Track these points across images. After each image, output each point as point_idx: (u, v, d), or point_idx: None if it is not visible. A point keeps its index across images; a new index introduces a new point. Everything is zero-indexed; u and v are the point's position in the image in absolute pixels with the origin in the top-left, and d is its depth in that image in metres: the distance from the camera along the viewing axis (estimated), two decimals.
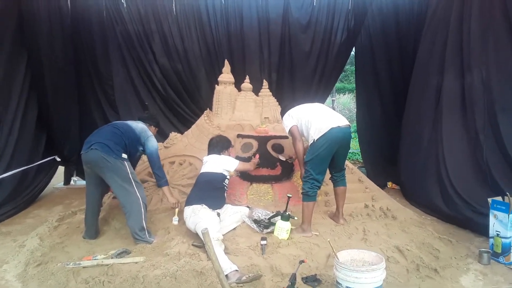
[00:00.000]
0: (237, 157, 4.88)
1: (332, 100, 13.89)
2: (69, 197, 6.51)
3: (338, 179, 4.57)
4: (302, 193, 4.27)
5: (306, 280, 3.34)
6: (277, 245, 3.91)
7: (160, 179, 4.46)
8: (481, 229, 4.40)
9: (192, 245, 3.89)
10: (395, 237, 4.22)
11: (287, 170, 5.06)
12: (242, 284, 3.26)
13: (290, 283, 3.15)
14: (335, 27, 7.45)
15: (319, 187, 4.30)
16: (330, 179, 4.64)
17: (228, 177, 4.45)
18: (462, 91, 5.35)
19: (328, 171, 4.48)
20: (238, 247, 3.86)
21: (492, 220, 3.98)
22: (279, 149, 5.22)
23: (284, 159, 5.11)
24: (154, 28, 7.21)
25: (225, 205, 4.40)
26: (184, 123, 7.42)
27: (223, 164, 4.40)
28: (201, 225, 3.72)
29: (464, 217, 4.77)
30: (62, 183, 7.44)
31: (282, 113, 4.79)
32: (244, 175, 4.93)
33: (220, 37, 7.37)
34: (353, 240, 4.16)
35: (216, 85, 6.12)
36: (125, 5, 7.10)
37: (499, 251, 3.87)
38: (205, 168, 4.40)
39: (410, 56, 7.38)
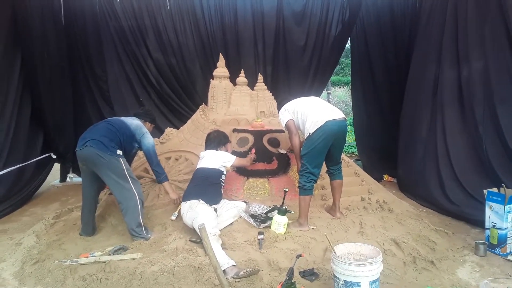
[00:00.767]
0: (233, 152, 4.87)
1: (328, 93, 13.87)
2: (65, 194, 6.49)
3: (335, 173, 4.57)
4: (298, 187, 4.27)
5: (303, 274, 3.35)
6: (274, 239, 3.91)
7: (160, 175, 4.43)
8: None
9: (190, 240, 3.89)
10: (391, 230, 4.24)
11: (284, 164, 5.06)
12: (239, 279, 3.26)
13: (287, 278, 3.15)
14: (330, 20, 7.46)
15: (316, 181, 4.30)
16: (326, 172, 4.64)
17: (224, 172, 4.44)
18: (460, 83, 5.36)
19: (324, 164, 4.48)
20: (235, 242, 3.86)
21: (488, 211, 3.99)
22: (275, 143, 5.21)
23: (285, 152, 5.10)
24: (148, 23, 7.20)
25: (222, 200, 4.39)
26: (179, 118, 7.41)
27: (220, 160, 4.39)
28: (198, 221, 3.72)
29: (465, 208, 4.79)
30: (58, 180, 7.42)
31: (278, 108, 4.79)
32: (241, 170, 4.92)
33: (214, 31, 7.36)
34: (350, 233, 4.17)
35: (211, 80, 6.09)
36: (118, 0, 7.05)
37: (495, 242, 3.89)
38: (202, 164, 4.39)
39: (405, 48, 7.39)
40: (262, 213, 4.30)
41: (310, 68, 7.63)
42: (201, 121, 5.65)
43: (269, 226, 4.14)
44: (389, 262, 3.55)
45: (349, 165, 5.44)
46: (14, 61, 5.93)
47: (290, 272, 3.18)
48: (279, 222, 4.08)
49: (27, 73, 6.13)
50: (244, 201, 4.54)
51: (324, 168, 4.51)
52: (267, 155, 5.03)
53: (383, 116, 7.67)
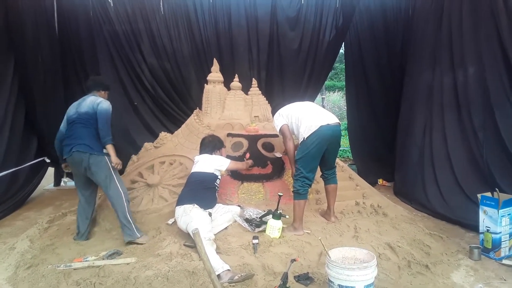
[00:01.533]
0: (228, 156, 4.87)
1: (322, 98, 13.92)
2: (59, 199, 6.46)
3: (329, 177, 4.58)
4: (293, 191, 4.27)
5: (298, 278, 3.35)
6: (269, 243, 3.91)
7: (105, 137, 4.22)
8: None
9: (184, 245, 3.88)
10: (386, 234, 4.25)
11: (278, 169, 5.06)
12: (234, 283, 3.26)
13: (282, 282, 3.15)
14: (324, 25, 7.51)
15: (310, 185, 4.30)
16: (321, 177, 4.65)
17: (219, 177, 4.43)
18: (456, 88, 5.39)
19: (319, 169, 4.49)
20: (230, 247, 3.85)
21: (482, 215, 4.01)
22: (270, 147, 5.21)
23: (281, 155, 5.11)
24: (142, 28, 7.20)
25: (217, 204, 4.38)
26: (174, 122, 7.41)
27: (214, 164, 4.38)
28: (192, 225, 3.71)
29: (462, 212, 4.81)
30: (52, 184, 7.38)
31: (273, 112, 4.80)
32: (235, 174, 4.92)
33: (208, 36, 7.38)
34: (344, 237, 4.17)
35: (205, 84, 6.09)
36: (112, 5, 7.07)
37: (490, 246, 3.91)
38: (197, 168, 4.38)
39: (398, 52, 7.46)
40: (257, 217, 4.30)
41: (304, 73, 7.66)
42: (196, 125, 5.64)
43: (264, 231, 4.14)
44: (383, 266, 3.56)
45: (343, 169, 5.45)
46: (7, 65, 5.90)
47: (285, 277, 3.18)
48: (273, 227, 4.08)
49: (21, 78, 6.11)
50: (239, 206, 4.54)
51: (318, 172, 4.52)
52: (261, 160, 5.03)
53: (377, 120, 7.71)
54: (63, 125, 4.39)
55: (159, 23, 7.22)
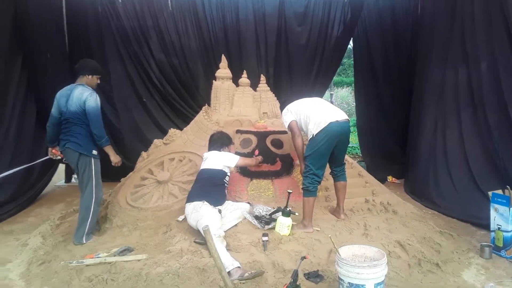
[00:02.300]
0: (237, 153, 4.88)
1: (331, 93, 13.88)
2: (70, 195, 6.48)
3: (338, 174, 4.57)
4: (302, 188, 4.27)
5: (308, 276, 3.36)
6: (278, 241, 3.92)
7: (100, 139, 4.29)
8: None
9: (194, 242, 3.90)
10: (396, 232, 4.23)
11: (287, 166, 5.06)
12: (244, 280, 3.27)
13: (292, 280, 3.16)
14: (332, 20, 7.47)
15: (320, 182, 4.30)
16: (330, 174, 4.64)
17: (228, 173, 4.44)
18: (471, 85, 5.34)
19: (328, 166, 4.49)
20: (240, 244, 3.87)
21: (493, 213, 3.99)
22: (279, 144, 5.21)
23: None
24: (150, 24, 7.21)
25: (226, 201, 4.39)
26: (182, 119, 7.42)
27: (223, 161, 4.39)
28: (202, 222, 3.72)
29: (480, 211, 4.72)
30: (63, 181, 7.44)
31: (281, 108, 4.79)
32: (244, 171, 4.93)
33: (216, 31, 7.37)
34: (354, 235, 4.17)
35: (213, 81, 6.10)
36: (120, 1, 7.07)
37: (501, 244, 3.89)
38: (206, 165, 4.39)
39: (407, 48, 7.42)
40: (266, 214, 4.30)
41: (312, 69, 7.64)
42: (204, 122, 5.66)
43: (274, 228, 4.14)
44: (393, 264, 3.55)
45: (352, 166, 5.44)
46: (16, 61, 5.93)
47: (295, 274, 3.19)
48: (283, 224, 4.09)
49: (30, 74, 6.14)
50: (248, 203, 4.54)
51: (327, 169, 4.51)
52: (270, 156, 5.03)
53: (386, 117, 7.67)
54: (53, 110, 4.34)
55: (167, 19, 7.22)
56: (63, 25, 6.88)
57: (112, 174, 6.13)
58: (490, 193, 4.06)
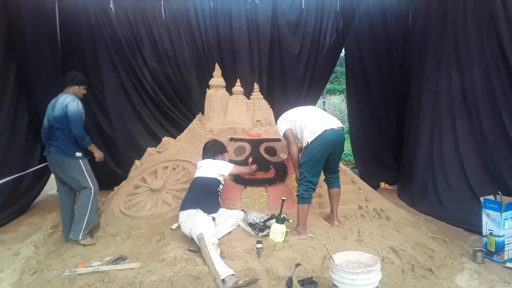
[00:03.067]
0: (230, 161, 4.89)
1: (323, 101, 13.94)
2: None
3: (333, 181, 4.59)
4: (297, 195, 4.28)
5: (302, 283, 3.35)
6: (272, 248, 3.91)
7: (82, 140, 4.44)
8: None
9: (188, 250, 3.89)
10: (389, 238, 4.25)
11: (281, 173, 5.07)
12: None
13: (287, 286, 3.16)
14: (324, 29, 7.55)
15: (314, 190, 4.31)
16: (324, 180, 4.65)
17: (222, 182, 4.45)
18: (464, 92, 5.39)
19: (322, 173, 4.50)
20: (234, 251, 3.86)
21: (485, 218, 4.02)
22: (272, 152, 5.23)
23: (286, 156, 5.12)
24: (143, 32, 7.23)
25: (220, 209, 4.39)
26: (176, 127, 7.42)
27: (217, 169, 4.40)
28: (196, 230, 3.72)
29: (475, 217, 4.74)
30: (55, 189, 7.36)
31: (276, 117, 4.82)
32: (238, 179, 4.93)
33: (210, 40, 7.41)
34: (348, 241, 4.18)
35: (207, 89, 6.12)
36: (113, 10, 7.09)
37: (493, 249, 3.92)
38: (200, 173, 4.39)
39: (399, 56, 7.52)
40: (260, 221, 4.31)
41: (305, 77, 7.69)
42: (198, 130, 5.66)
43: (268, 235, 4.14)
44: (387, 270, 3.56)
45: (346, 173, 5.46)
46: (9, 70, 5.92)
47: (289, 281, 3.20)
48: (277, 231, 4.09)
49: (23, 83, 6.13)
50: (242, 210, 4.54)
51: (322, 176, 4.53)
52: (264, 164, 5.04)
53: (378, 123, 7.73)
54: (45, 120, 4.54)
55: (161, 28, 7.25)
56: (57, 35, 6.88)
57: (105, 183, 6.11)
58: (482, 198, 4.10)
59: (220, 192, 4.45)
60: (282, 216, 4.16)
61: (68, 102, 4.38)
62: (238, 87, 6.02)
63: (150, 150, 5.84)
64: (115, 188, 5.28)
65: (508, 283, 3.51)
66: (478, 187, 5.02)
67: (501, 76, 4.80)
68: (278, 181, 5.01)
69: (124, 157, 7.02)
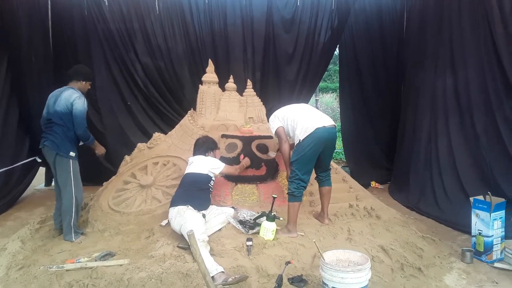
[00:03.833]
0: (222, 158, 4.87)
1: (316, 99, 13.94)
2: (50, 199, 6.32)
3: (324, 179, 4.59)
4: (288, 193, 4.28)
5: (292, 281, 3.35)
6: (262, 245, 3.90)
7: (86, 139, 4.50)
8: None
9: (177, 246, 3.86)
10: (379, 237, 4.26)
11: (272, 170, 5.06)
12: (228, 285, 3.25)
13: (276, 285, 3.15)
14: (319, 26, 7.52)
15: (305, 188, 4.31)
16: (315, 179, 4.65)
17: (213, 178, 4.43)
18: (457, 92, 5.41)
19: (313, 170, 4.50)
20: (224, 248, 3.84)
21: (474, 219, 4.04)
22: (264, 149, 5.21)
23: (274, 155, 5.11)
24: (137, 27, 7.16)
25: (210, 206, 4.37)
26: (167, 123, 7.37)
27: (208, 166, 4.38)
28: (186, 227, 3.70)
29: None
30: (43, 184, 7.32)
31: (268, 114, 4.80)
32: (229, 176, 4.90)
33: (203, 36, 7.35)
34: (338, 240, 4.18)
35: (200, 85, 6.08)
36: (106, 3, 7.02)
37: (482, 249, 3.94)
38: (191, 169, 4.37)
39: (393, 54, 7.52)
40: (251, 219, 4.30)
41: (299, 74, 7.67)
42: (190, 126, 5.63)
43: (258, 232, 4.13)
44: (377, 269, 3.57)
45: (337, 171, 5.46)
46: (1, 64, 5.85)
47: (279, 279, 3.19)
48: (267, 228, 4.08)
49: (14, 77, 6.06)
50: (233, 207, 4.53)
51: (313, 174, 4.52)
52: (255, 161, 5.03)
53: (371, 122, 7.75)
54: (44, 111, 4.47)
55: (154, 23, 7.19)
56: (48, 28, 6.81)
57: (95, 178, 6.08)
58: (471, 198, 4.12)
59: (211, 189, 4.43)
60: (272, 213, 4.15)
61: (74, 99, 4.29)
62: (231, 84, 5.99)
63: (140, 145, 5.79)
64: (104, 183, 5.23)
65: (496, 283, 3.54)
66: (471, 187, 5.03)
67: (495, 77, 4.81)
68: (269, 179, 5.00)
69: (114, 152, 6.95)
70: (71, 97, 4.30)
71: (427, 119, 5.94)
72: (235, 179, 4.92)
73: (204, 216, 4.11)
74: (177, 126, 5.97)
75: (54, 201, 6.05)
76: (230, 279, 3.27)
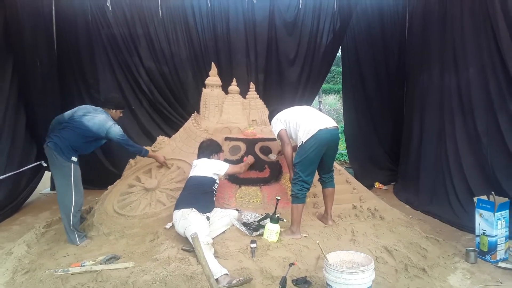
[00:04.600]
0: (225, 160, 4.88)
1: (319, 101, 13.96)
2: (56, 203, 6.17)
3: (327, 181, 4.60)
4: (291, 195, 4.28)
5: (296, 282, 3.35)
6: (266, 247, 3.91)
7: (140, 152, 4.89)
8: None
9: (182, 249, 3.88)
10: (383, 238, 4.25)
11: (276, 172, 5.07)
12: (232, 287, 3.26)
13: (280, 286, 3.16)
14: (321, 29, 7.53)
15: (308, 189, 4.31)
16: (318, 180, 4.66)
17: (217, 181, 4.44)
18: (460, 93, 5.40)
19: (316, 172, 4.51)
20: (228, 251, 3.85)
21: (478, 218, 4.04)
22: (267, 151, 5.22)
23: (275, 157, 5.12)
24: (140, 32, 7.21)
25: (214, 208, 4.38)
26: (171, 126, 7.40)
27: (213, 168, 4.40)
28: (190, 229, 3.71)
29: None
30: (49, 188, 7.35)
31: (270, 117, 4.81)
32: (233, 178, 4.92)
33: (206, 40, 7.39)
34: (342, 241, 4.18)
35: (203, 88, 6.11)
36: (110, 8, 7.07)
37: (486, 249, 3.93)
38: (195, 172, 4.39)
39: (395, 56, 7.52)
40: (255, 221, 4.30)
41: (301, 77, 7.68)
42: (193, 129, 5.65)
43: (262, 234, 4.14)
44: (381, 270, 3.56)
45: (340, 173, 5.46)
46: (5, 69, 5.90)
47: (283, 281, 3.20)
48: (271, 230, 4.08)
49: (20, 82, 6.11)
50: (237, 209, 4.54)
51: (316, 176, 4.53)
52: (259, 163, 5.04)
53: (374, 123, 7.74)
54: (67, 113, 4.58)
55: (157, 27, 7.23)
56: (53, 33, 6.87)
57: (99, 182, 6.11)
58: (475, 198, 4.11)
59: (215, 192, 4.44)
60: (276, 215, 4.15)
61: (109, 128, 4.49)
62: (234, 87, 6.02)
63: None
64: (109, 187, 5.26)
65: (501, 282, 3.53)
66: (475, 187, 5.02)
67: (498, 76, 4.80)
68: (272, 181, 5.00)
69: (119, 156, 6.98)
70: (107, 123, 4.50)
71: (434, 121, 5.92)
72: (239, 181, 4.93)
73: (208, 218, 4.12)
74: (181, 129, 5.99)
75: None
76: (234, 281, 3.28)
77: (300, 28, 7.52)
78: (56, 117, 4.61)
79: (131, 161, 5.68)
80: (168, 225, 4.34)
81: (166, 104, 7.53)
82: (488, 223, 3.93)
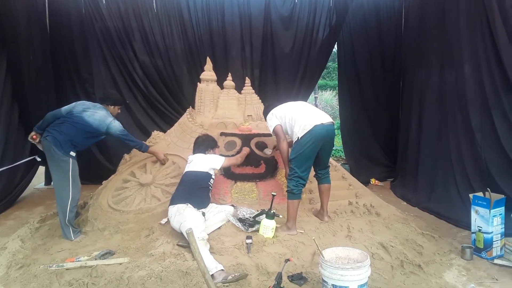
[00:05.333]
0: (221, 155, 4.86)
1: (315, 97, 13.93)
2: (50, 198, 6.34)
3: (323, 177, 4.58)
4: (287, 191, 4.27)
5: (292, 278, 3.35)
6: (262, 243, 3.90)
7: (140, 147, 4.88)
8: None
9: (177, 245, 3.86)
10: (379, 234, 4.25)
11: (271, 168, 5.05)
12: (228, 283, 3.25)
13: (276, 282, 3.15)
14: (317, 24, 7.51)
15: (304, 185, 4.30)
16: (314, 176, 4.64)
17: (213, 176, 4.42)
18: (456, 88, 5.40)
19: (312, 168, 4.49)
20: (224, 246, 3.84)
21: (473, 215, 4.05)
22: (263, 147, 5.21)
23: (270, 152, 5.10)
24: (135, 25, 7.16)
25: (210, 204, 4.37)
26: (166, 121, 7.37)
27: (209, 163, 4.37)
28: (186, 225, 3.69)
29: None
30: (43, 183, 7.31)
31: (265, 113, 4.78)
32: (228, 174, 4.91)
33: (201, 34, 7.35)
34: (337, 237, 4.18)
35: (198, 83, 6.07)
36: (104, 2, 7.01)
37: (481, 246, 3.94)
38: (191, 167, 4.36)
39: (392, 52, 7.54)
40: (250, 217, 4.30)
41: (297, 72, 7.66)
42: (189, 124, 5.62)
43: (257, 230, 4.13)
44: (377, 266, 3.57)
45: (336, 169, 5.45)
46: (1, 63, 5.83)
47: (279, 277, 3.18)
48: (267, 226, 4.08)
49: (14, 77, 6.05)
50: (232, 205, 4.52)
51: (312, 172, 4.52)
52: (254, 159, 5.02)
53: (370, 119, 7.75)
54: (66, 107, 4.56)
55: (152, 21, 7.18)
56: (46, 26, 6.80)
57: (94, 177, 6.07)
58: (471, 195, 4.12)
59: (211, 187, 4.42)
60: (272, 211, 4.15)
61: (109, 123, 4.53)
62: (229, 81, 5.98)
63: None
64: (104, 182, 5.22)
65: (496, 279, 3.54)
66: (468, 184, 5.06)
67: (493, 73, 4.81)
68: (268, 177, 4.98)
69: (114, 151, 6.95)
70: (106, 119, 4.54)
71: (431, 116, 5.93)
72: (234, 177, 4.91)
73: (203, 214, 4.10)
74: (176, 125, 5.96)
75: (54, 200, 6.10)
76: (229, 277, 3.27)
77: (296, 23, 7.49)
78: (51, 112, 4.55)
79: (126, 156, 5.66)
80: (163, 221, 4.31)
81: (161, 98, 7.49)
82: (484, 220, 3.93)
